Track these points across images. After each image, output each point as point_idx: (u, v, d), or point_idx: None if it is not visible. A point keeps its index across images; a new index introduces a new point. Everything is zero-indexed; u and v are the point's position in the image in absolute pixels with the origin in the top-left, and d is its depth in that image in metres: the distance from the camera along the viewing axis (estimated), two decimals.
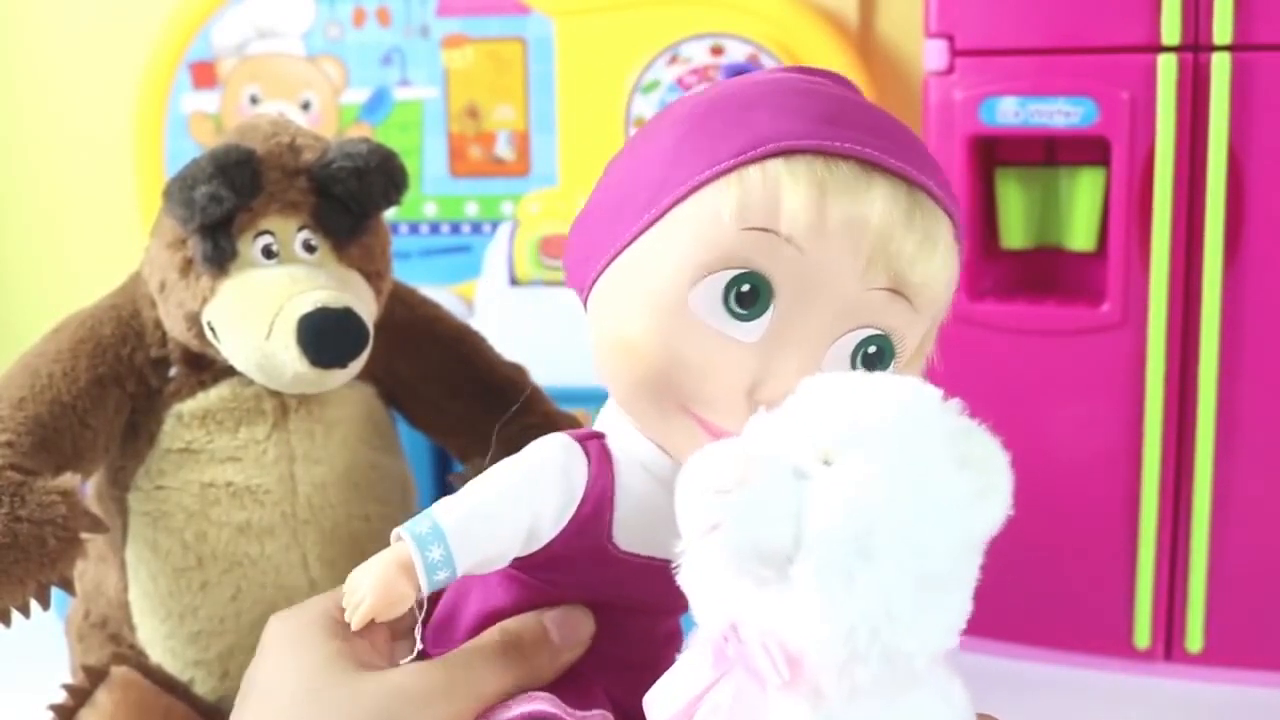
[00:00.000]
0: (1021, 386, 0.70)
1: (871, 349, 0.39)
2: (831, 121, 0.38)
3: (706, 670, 0.35)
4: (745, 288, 0.38)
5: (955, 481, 0.33)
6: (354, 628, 0.40)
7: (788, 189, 0.37)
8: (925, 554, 0.32)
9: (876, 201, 0.38)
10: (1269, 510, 0.68)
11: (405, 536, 0.40)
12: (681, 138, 0.40)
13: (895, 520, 0.32)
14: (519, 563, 0.42)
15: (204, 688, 0.58)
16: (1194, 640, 0.69)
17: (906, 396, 0.34)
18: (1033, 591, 0.71)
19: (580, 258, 0.42)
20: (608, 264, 0.41)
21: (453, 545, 0.39)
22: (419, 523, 0.40)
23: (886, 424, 0.34)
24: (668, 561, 0.41)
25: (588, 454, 0.41)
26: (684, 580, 0.36)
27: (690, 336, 0.38)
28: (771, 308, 0.38)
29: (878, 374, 0.36)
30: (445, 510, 0.40)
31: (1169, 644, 0.70)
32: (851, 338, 0.39)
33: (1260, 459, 0.68)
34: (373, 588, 0.40)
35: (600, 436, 0.42)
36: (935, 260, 0.39)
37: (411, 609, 0.40)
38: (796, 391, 0.36)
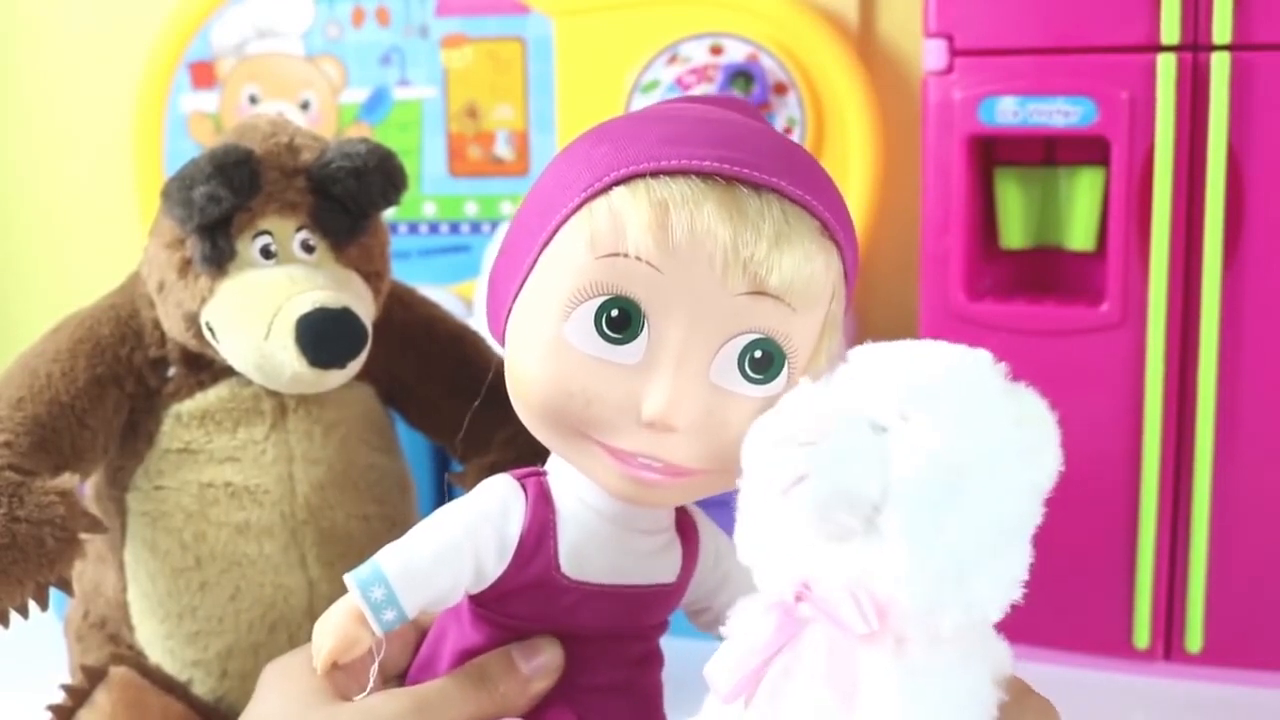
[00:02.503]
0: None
1: (757, 353, 0.40)
2: (669, 142, 0.40)
3: (770, 634, 0.36)
4: (614, 312, 0.40)
5: (1016, 435, 0.35)
6: (319, 671, 0.43)
7: (630, 212, 0.39)
8: (1001, 502, 0.34)
9: (717, 209, 0.39)
10: (1269, 510, 0.68)
11: (349, 581, 0.42)
12: (544, 187, 0.42)
13: (976, 469, 0.34)
14: (479, 599, 0.44)
15: (202, 688, 0.58)
16: (1194, 640, 0.69)
17: (962, 357, 0.36)
18: (1032, 591, 0.71)
19: (493, 311, 0.45)
20: (508, 314, 0.43)
21: (395, 585, 0.42)
22: (364, 568, 0.42)
23: (950, 382, 0.35)
24: (615, 586, 0.43)
25: (526, 491, 0.43)
26: (747, 542, 0.37)
27: (572, 368, 0.40)
28: (645, 328, 0.40)
29: (928, 340, 0.37)
30: (389, 553, 0.42)
31: (1169, 644, 0.70)
32: (734, 345, 0.40)
33: (1260, 459, 0.68)
34: (329, 633, 0.42)
35: (541, 474, 0.44)
36: (792, 260, 0.39)
37: (369, 650, 0.43)
38: (848, 359, 0.37)
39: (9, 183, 1.09)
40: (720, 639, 0.38)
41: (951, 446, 0.34)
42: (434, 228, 0.96)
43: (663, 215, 0.39)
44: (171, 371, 0.59)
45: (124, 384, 0.58)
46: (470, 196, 0.95)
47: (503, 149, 0.94)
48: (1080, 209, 0.71)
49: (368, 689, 0.43)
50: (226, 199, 0.54)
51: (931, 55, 0.69)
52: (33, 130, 1.08)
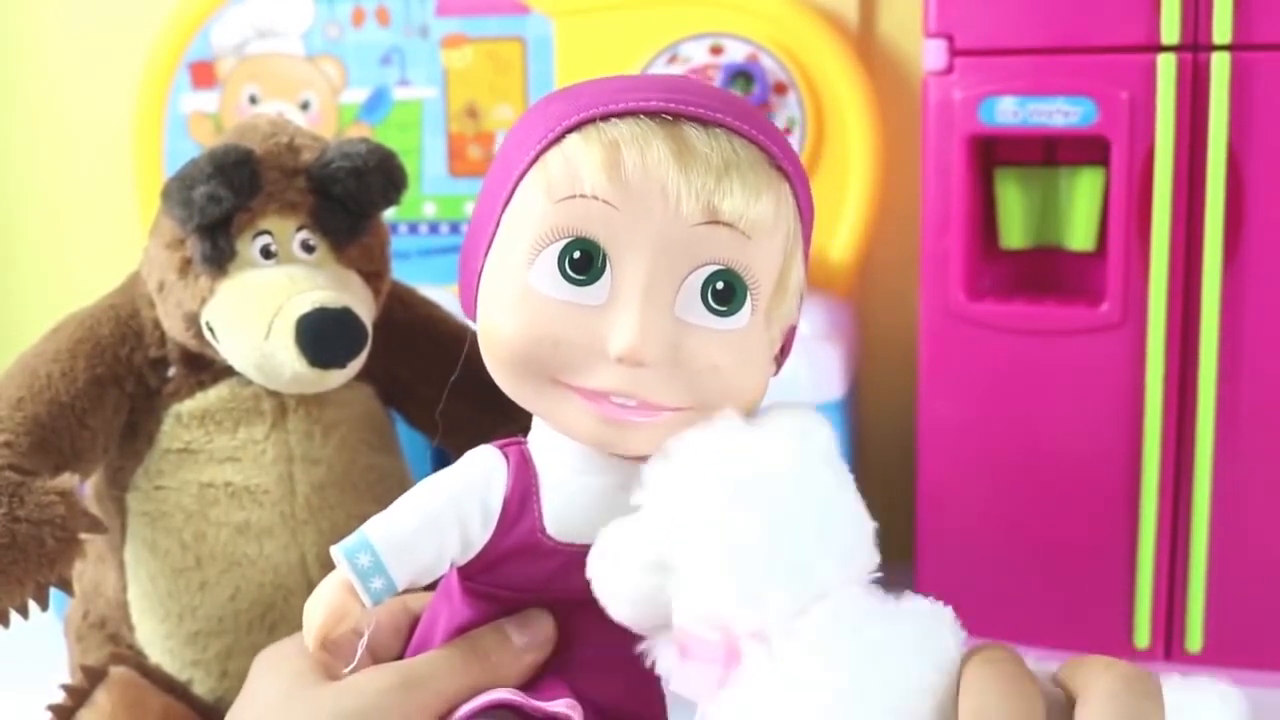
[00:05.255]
0: (1021, 386, 0.70)
1: (719, 285, 0.41)
2: (617, 91, 0.42)
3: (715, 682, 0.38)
4: (576, 254, 0.41)
5: (738, 440, 0.38)
6: (311, 648, 0.43)
7: (582, 155, 0.40)
8: (756, 481, 0.37)
9: (665, 143, 0.40)
10: (1269, 510, 0.68)
11: (335, 552, 0.42)
12: (502, 153, 0.44)
13: (718, 480, 0.37)
14: (468, 572, 0.45)
15: (202, 688, 0.58)
16: (1194, 640, 0.69)
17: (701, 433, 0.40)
18: (1033, 591, 0.71)
19: (464, 284, 0.46)
20: (478, 282, 0.44)
21: (380, 551, 0.42)
22: (349, 538, 0.43)
23: (681, 446, 0.39)
24: None
25: (507, 458, 0.44)
26: (660, 669, 0.39)
27: (539, 314, 0.41)
28: (608, 267, 0.41)
29: None
30: (374, 522, 0.43)
31: (1169, 644, 0.70)
32: (696, 277, 0.41)
33: (1260, 459, 0.67)
34: (318, 607, 0.43)
35: (521, 442, 0.45)
36: (743, 187, 0.41)
37: (357, 626, 0.44)
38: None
39: (9, 182, 1.09)
40: None
41: (688, 470, 0.37)
42: (434, 228, 0.96)
43: (614, 153, 0.40)
44: (171, 371, 0.59)
45: (124, 384, 0.58)
46: (470, 196, 0.95)
47: None
48: (1080, 209, 0.71)
49: (354, 664, 0.44)
50: (226, 199, 0.54)
51: (931, 55, 0.69)
52: (32, 130, 1.08)
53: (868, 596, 0.38)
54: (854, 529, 0.38)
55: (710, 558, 0.36)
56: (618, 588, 0.39)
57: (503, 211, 0.43)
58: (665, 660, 0.38)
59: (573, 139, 0.41)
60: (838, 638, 0.36)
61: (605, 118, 0.41)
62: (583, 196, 0.40)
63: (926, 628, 0.37)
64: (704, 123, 0.41)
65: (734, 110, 0.42)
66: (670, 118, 0.41)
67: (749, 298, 0.42)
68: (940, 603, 0.38)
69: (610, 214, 0.40)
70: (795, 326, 0.46)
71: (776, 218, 0.42)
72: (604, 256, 0.41)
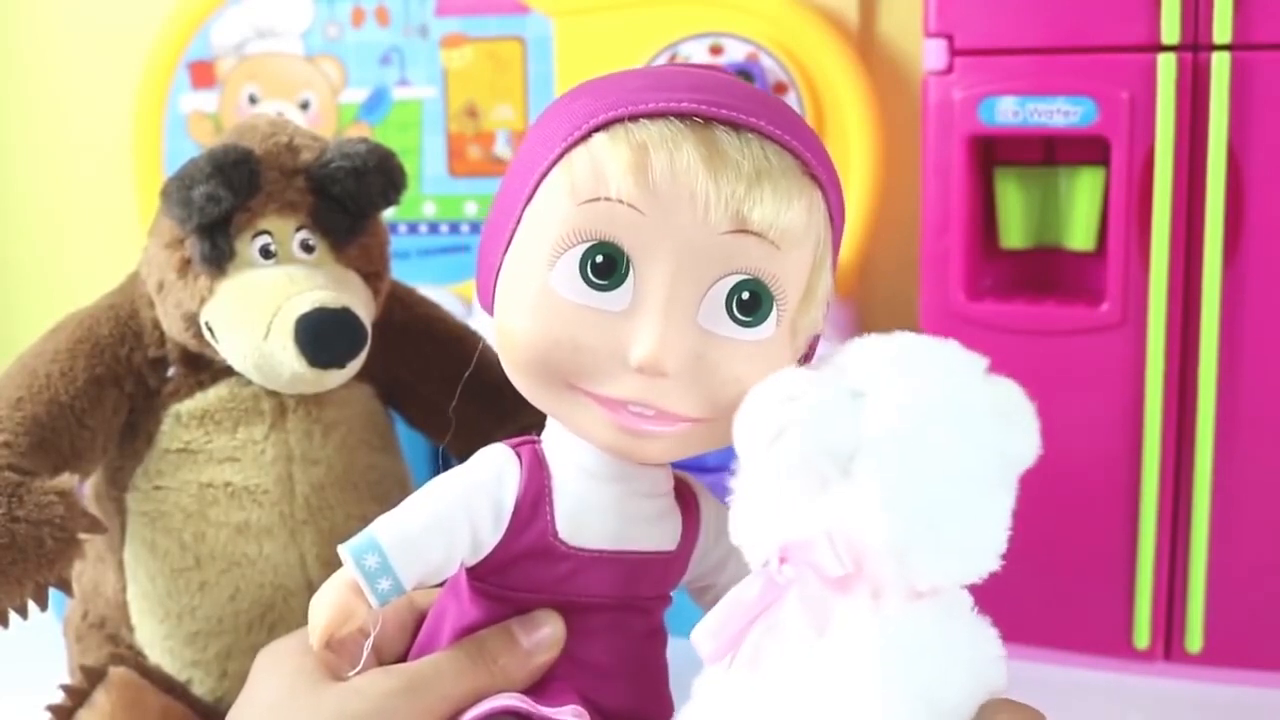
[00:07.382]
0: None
1: (745, 295, 0.40)
2: (647, 89, 0.40)
3: (754, 596, 0.37)
4: (599, 258, 0.39)
5: (987, 400, 0.37)
6: (315, 647, 0.43)
7: (609, 156, 0.39)
8: (971, 460, 0.35)
9: (696, 148, 0.39)
10: (1269, 510, 0.68)
11: (343, 551, 0.42)
12: (526, 147, 0.42)
13: (945, 422, 0.35)
14: (477, 573, 0.44)
15: (202, 688, 0.58)
16: (1194, 640, 0.69)
17: (938, 341, 0.38)
18: (1032, 591, 0.71)
19: (481, 280, 0.45)
20: (496, 278, 0.43)
21: (388, 552, 0.41)
22: (357, 537, 0.42)
23: (923, 354, 0.37)
24: (613, 552, 0.42)
25: (520, 459, 0.43)
26: (737, 516, 0.37)
27: (558, 317, 0.40)
28: (631, 273, 0.40)
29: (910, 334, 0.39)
30: (382, 522, 0.42)
31: (1169, 644, 0.70)
32: (721, 286, 0.40)
33: (1260, 459, 0.67)
34: (324, 606, 0.42)
35: (535, 442, 0.44)
36: (774, 196, 0.39)
37: (363, 629, 0.43)
38: (842, 349, 0.39)
39: (9, 182, 1.09)
40: None
41: (921, 400, 0.35)
42: (434, 228, 0.95)
43: (642, 156, 0.39)
44: (171, 371, 0.59)
45: (123, 384, 0.58)
46: (470, 196, 0.95)
47: (502, 149, 0.94)
48: (1080, 209, 0.71)
49: (359, 666, 0.43)
50: (226, 199, 0.54)
51: (931, 55, 0.69)
52: (32, 130, 1.08)
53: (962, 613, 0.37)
54: (1002, 539, 0.37)
55: (902, 490, 0.35)
56: (799, 442, 0.36)
57: (524, 209, 0.41)
58: (759, 550, 0.37)
59: (599, 138, 0.40)
60: (910, 644, 0.35)
61: (634, 118, 0.39)
62: (608, 200, 0.39)
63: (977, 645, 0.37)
64: (736, 126, 0.40)
65: (768, 113, 0.40)
66: (701, 120, 0.39)
67: (775, 308, 0.40)
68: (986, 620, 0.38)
69: (636, 219, 0.39)
70: (819, 335, 0.45)
71: (807, 227, 0.41)
72: (628, 262, 0.39)
